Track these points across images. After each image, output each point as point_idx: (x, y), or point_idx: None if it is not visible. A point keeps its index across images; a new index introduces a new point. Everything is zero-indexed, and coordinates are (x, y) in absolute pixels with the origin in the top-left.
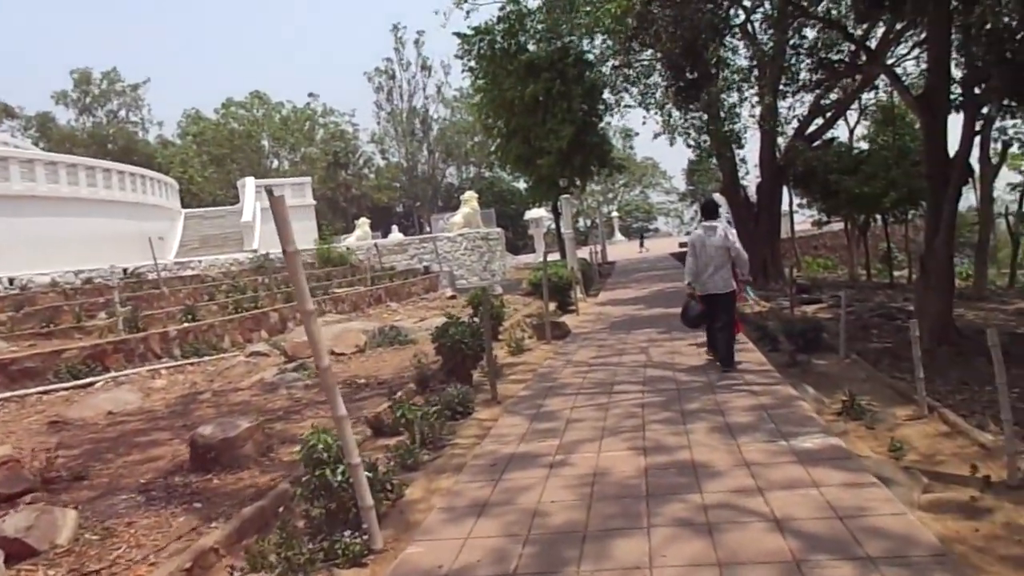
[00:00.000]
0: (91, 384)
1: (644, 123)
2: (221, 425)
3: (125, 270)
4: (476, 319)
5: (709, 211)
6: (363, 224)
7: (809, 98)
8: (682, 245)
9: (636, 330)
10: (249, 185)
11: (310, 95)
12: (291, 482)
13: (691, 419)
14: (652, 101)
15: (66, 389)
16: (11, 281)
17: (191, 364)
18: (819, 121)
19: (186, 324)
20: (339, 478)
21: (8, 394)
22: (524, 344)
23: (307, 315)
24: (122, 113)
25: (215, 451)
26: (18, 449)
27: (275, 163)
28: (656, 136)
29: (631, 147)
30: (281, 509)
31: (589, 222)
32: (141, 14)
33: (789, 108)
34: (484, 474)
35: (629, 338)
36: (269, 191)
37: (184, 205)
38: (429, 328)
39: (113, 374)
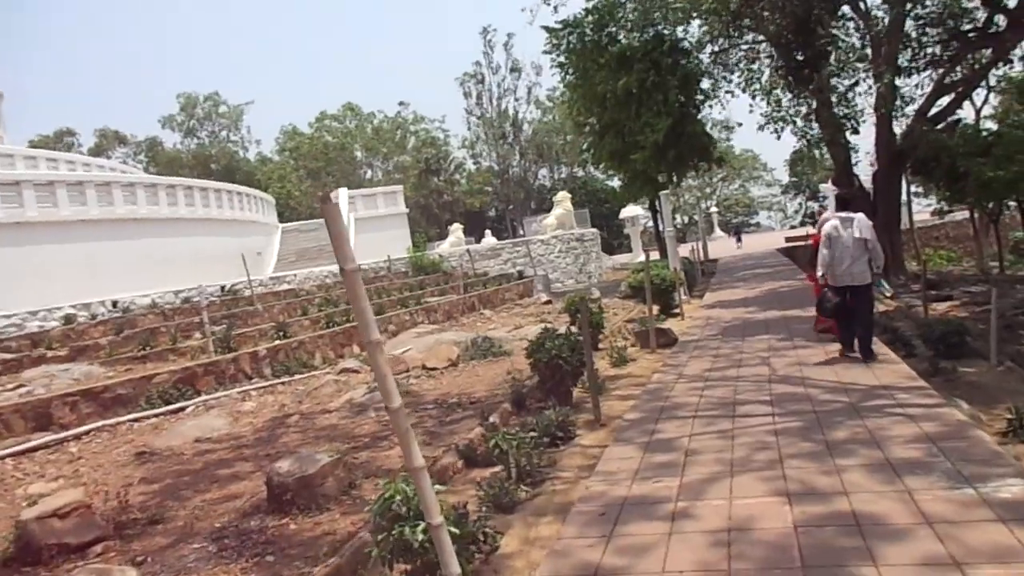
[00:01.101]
0: (181, 409)
1: (751, 110)
2: (299, 461)
3: (223, 287)
4: (574, 328)
5: (844, 203)
6: (456, 230)
7: (928, 77)
8: (788, 240)
9: (752, 336)
10: (342, 196)
11: (400, 103)
12: (371, 531)
13: (840, 452)
14: (757, 87)
15: (156, 416)
16: (115, 304)
17: (281, 384)
18: (943, 101)
19: (277, 342)
20: (419, 537)
21: (100, 424)
22: (627, 354)
23: (372, 347)
24: (223, 134)
25: (292, 491)
26: (102, 485)
27: (368, 173)
28: (760, 127)
29: (729, 140)
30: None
31: (686, 219)
32: (244, 35)
33: (914, 87)
34: (593, 526)
35: (745, 346)
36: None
37: (283, 219)
38: (524, 337)
39: (204, 397)
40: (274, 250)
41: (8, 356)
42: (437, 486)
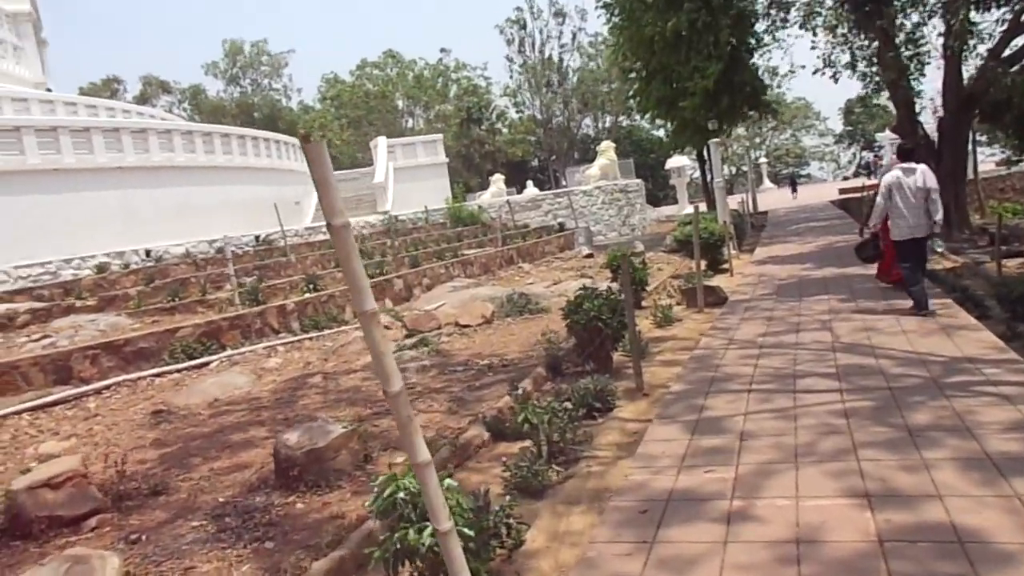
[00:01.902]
0: (205, 364)
1: (812, 46)
2: (309, 432)
3: (257, 237)
4: (614, 286)
5: (906, 153)
6: (497, 180)
7: (1008, 12)
8: (841, 191)
9: (809, 297)
10: (381, 145)
11: (442, 51)
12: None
13: (925, 442)
14: (818, 22)
15: (179, 371)
16: (148, 253)
17: (309, 339)
18: (1018, 41)
19: (306, 295)
20: (426, 541)
21: (121, 378)
22: (672, 313)
23: (365, 319)
24: (265, 82)
25: (300, 466)
26: (113, 447)
27: (410, 122)
28: (818, 71)
29: (780, 87)
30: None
31: (734, 169)
32: None
33: (993, 23)
34: (631, 527)
35: (803, 308)
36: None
37: None
38: (563, 293)
39: (228, 353)
40: (312, 200)
41: (39, 305)
42: (449, 481)
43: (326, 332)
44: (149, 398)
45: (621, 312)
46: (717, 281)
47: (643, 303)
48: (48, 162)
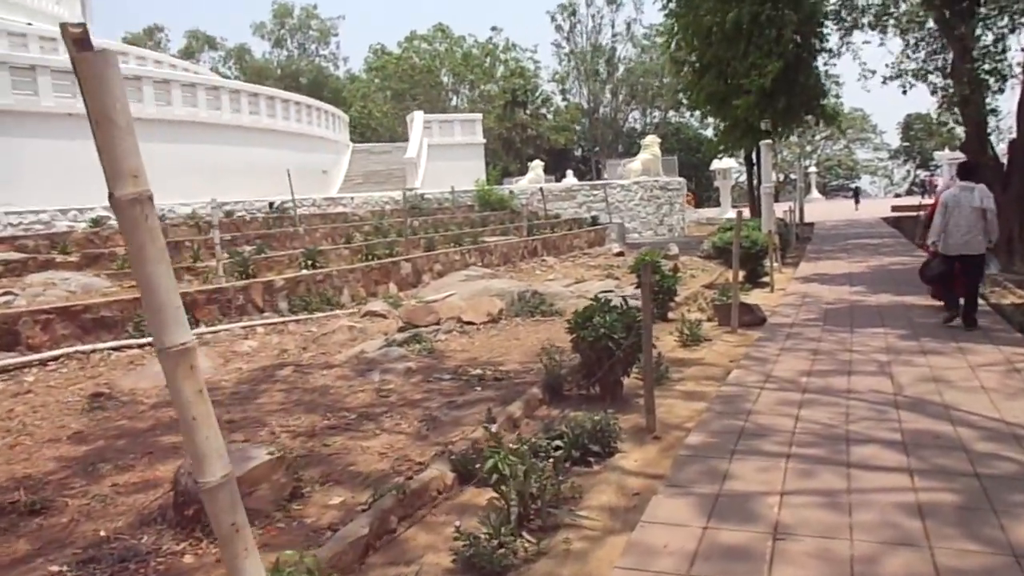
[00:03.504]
0: None
1: (881, 43)
2: None
3: (271, 204)
4: (634, 300)
5: (967, 171)
6: (536, 167)
7: None
8: (894, 209)
9: (863, 328)
10: (417, 120)
11: (493, 29)
12: None
13: None
14: (891, 22)
15: (140, 347)
16: None
17: (296, 322)
18: None
19: (302, 272)
20: None
21: (72, 349)
22: (701, 332)
23: (168, 358)
24: (312, 47)
25: (199, 505)
26: (24, 436)
27: (454, 100)
28: (886, 80)
29: (838, 95)
30: None
31: (782, 176)
32: None
33: None
34: None
35: (855, 341)
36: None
37: (363, 140)
38: (582, 294)
39: (202, 329)
40: (342, 170)
41: (15, 256)
42: None
43: (316, 316)
44: (96, 376)
45: (638, 331)
46: (756, 297)
47: (669, 315)
48: (62, 106)
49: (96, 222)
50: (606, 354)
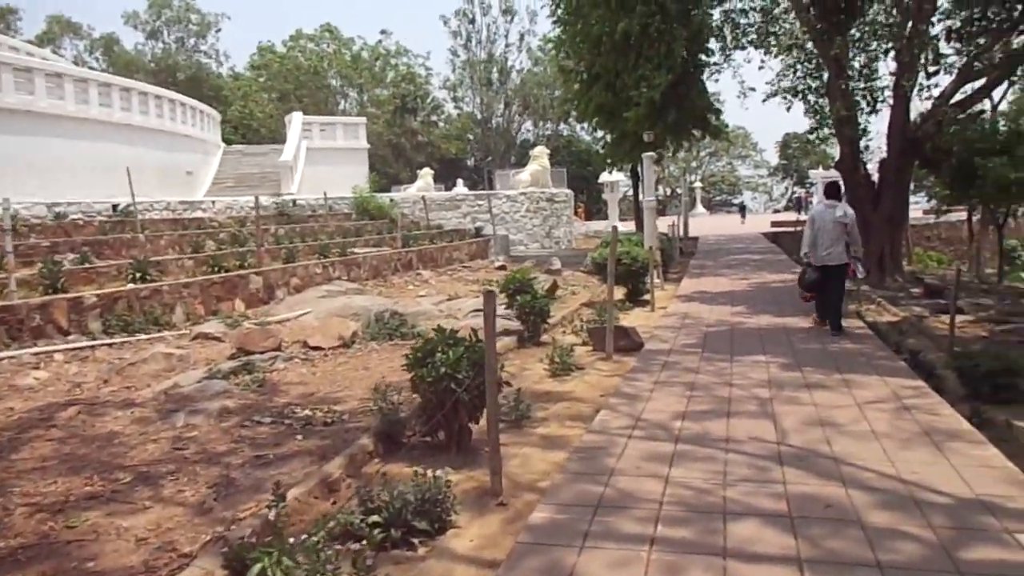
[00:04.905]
0: None
1: (761, 66)
2: None
3: (115, 206)
4: (511, 312)
5: (833, 191)
6: (426, 175)
7: (967, 53)
8: (774, 224)
9: (744, 355)
10: (296, 121)
11: (383, 32)
12: None
13: None
14: (773, 41)
15: None
16: None
17: (109, 346)
18: (968, 87)
19: (125, 286)
20: None
21: None
22: (573, 359)
23: None
24: (191, 42)
25: None
26: None
27: (343, 104)
28: (768, 97)
29: (721, 112)
30: None
31: (669, 191)
32: None
33: (948, 65)
34: None
35: (735, 373)
36: None
37: (246, 141)
38: (452, 313)
39: None
40: (211, 171)
41: None
42: None
43: (137, 338)
44: None
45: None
46: (636, 315)
47: (543, 338)
48: None
49: None
50: (449, 396)
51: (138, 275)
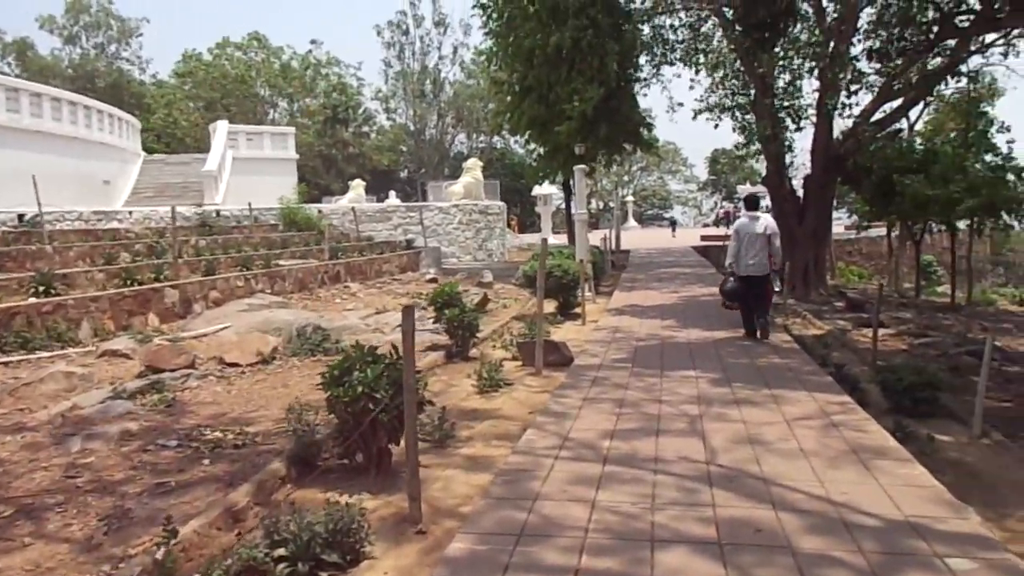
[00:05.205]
0: None
1: (691, 87)
2: None
3: (21, 216)
4: (440, 327)
5: (752, 203)
6: (357, 186)
7: (886, 72)
8: (703, 238)
9: (673, 370)
10: (220, 129)
11: (312, 42)
12: None
13: None
14: (701, 59)
15: None
16: None
17: (4, 364)
18: (887, 106)
19: (24, 300)
20: None
21: None
22: (501, 375)
23: None
24: (112, 48)
25: None
26: None
27: (272, 114)
28: (697, 113)
29: (650, 127)
30: None
31: (601, 204)
32: None
33: (867, 85)
34: None
35: (665, 388)
36: None
37: (170, 150)
38: (379, 327)
39: None
40: (129, 181)
41: None
42: None
43: (37, 356)
44: None
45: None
46: (567, 329)
47: (472, 352)
48: None
49: None
50: (367, 416)
51: (41, 288)
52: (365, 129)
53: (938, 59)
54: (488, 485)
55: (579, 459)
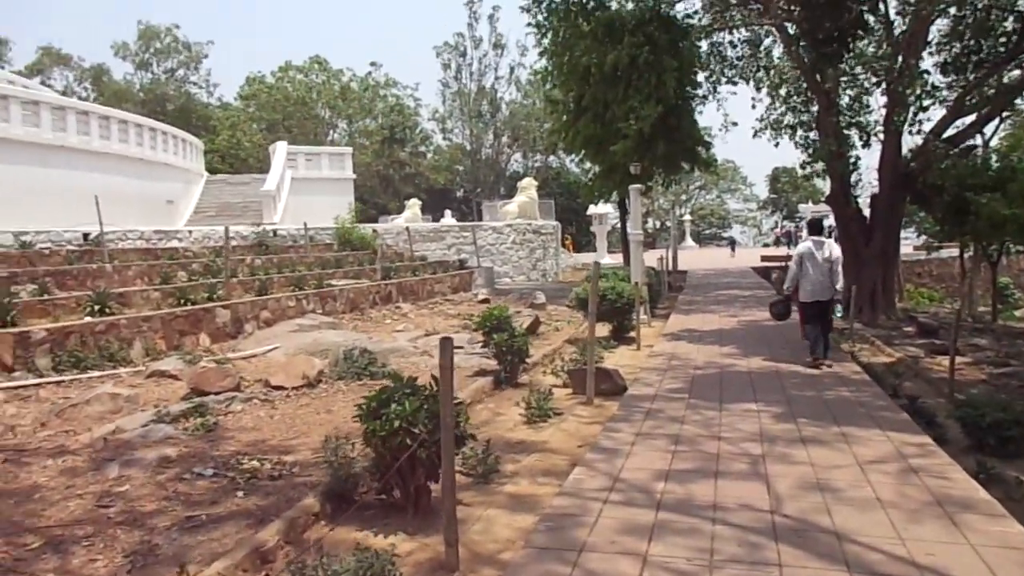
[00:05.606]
0: None
1: (753, 106)
2: None
3: (86, 236)
4: (484, 361)
5: (816, 227)
6: (413, 205)
7: (958, 88)
8: (763, 259)
9: (733, 404)
10: (280, 150)
11: (372, 64)
12: None
13: None
14: (762, 75)
15: None
16: None
17: (56, 383)
18: (960, 122)
19: (80, 320)
20: None
21: None
22: (550, 404)
23: None
24: (180, 72)
25: None
26: None
27: (331, 134)
28: (757, 132)
29: (711, 146)
30: None
31: (658, 223)
32: None
33: (940, 100)
34: None
35: (724, 424)
36: None
37: (234, 171)
38: (427, 350)
39: None
40: (192, 201)
41: None
42: None
43: (89, 375)
44: None
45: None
46: (621, 356)
47: (522, 379)
48: None
49: None
50: (405, 452)
51: (96, 307)
52: (422, 149)
53: (1017, 71)
54: (531, 530)
55: (630, 503)
